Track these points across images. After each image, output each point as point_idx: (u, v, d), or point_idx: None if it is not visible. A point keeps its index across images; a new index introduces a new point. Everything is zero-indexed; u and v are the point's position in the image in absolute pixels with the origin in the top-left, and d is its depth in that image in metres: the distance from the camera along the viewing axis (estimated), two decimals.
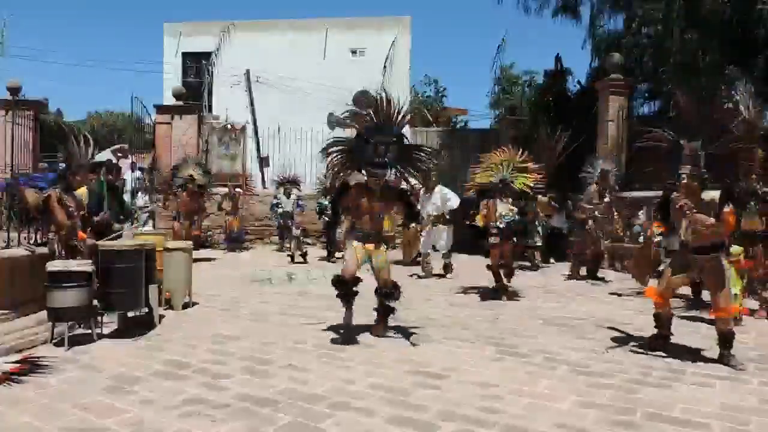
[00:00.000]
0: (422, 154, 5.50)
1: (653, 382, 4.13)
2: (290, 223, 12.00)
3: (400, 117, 5.20)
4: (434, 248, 9.46)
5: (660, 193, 5.25)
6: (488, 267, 7.61)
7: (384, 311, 5.44)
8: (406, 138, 5.41)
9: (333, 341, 5.15)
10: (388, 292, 5.35)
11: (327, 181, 10.66)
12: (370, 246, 5.24)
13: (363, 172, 5.27)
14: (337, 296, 5.41)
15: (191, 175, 10.96)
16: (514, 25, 46.18)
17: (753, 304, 6.57)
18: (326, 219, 10.58)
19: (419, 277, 9.22)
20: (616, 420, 3.44)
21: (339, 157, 5.36)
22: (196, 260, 10.47)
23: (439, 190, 9.26)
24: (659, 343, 4.96)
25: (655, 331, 5.03)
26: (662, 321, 4.97)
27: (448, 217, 9.15)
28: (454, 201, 9.15)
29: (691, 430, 3.33)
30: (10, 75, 18.69)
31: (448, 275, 9.27)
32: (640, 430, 3.32)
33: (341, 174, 5.47)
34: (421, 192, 9.43)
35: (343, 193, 5.36)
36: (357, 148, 5.22)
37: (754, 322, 6.16)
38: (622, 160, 11.44)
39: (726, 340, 4.63)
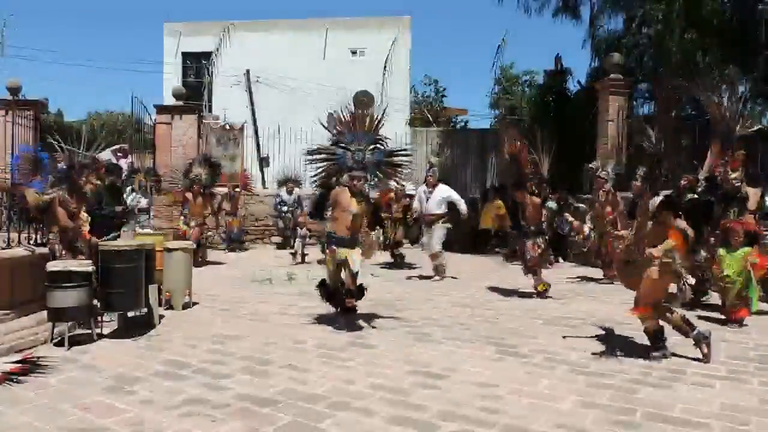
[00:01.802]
0: (398, 157, 6.01)
1: (653, 382, 4.13)
2: (291, 220, 12.40)
3: (374, 127, 5.77)
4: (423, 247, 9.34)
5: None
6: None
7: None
8: (382, 144, 5.87)
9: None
10: (350, 292, 5.83)
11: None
12: (345, 250, 5.63)
13: (346, 177, 5.71)
14: (323, 299, 6.11)
15: (197, 175, 10.96)
16: (514, 25, 46.16)
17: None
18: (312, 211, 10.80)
19: (430, 277, 9.11)
20: (616, 420, 3.44)
21: (323, 164, 5.93)
22: (209, 263, 10.66)
23: (443, 188, 9.17)
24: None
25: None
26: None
27: (447, 218, 9.09)
28: (463, 205, 9.15)
29: (691, 430, 3.33)
30: (10, 75, 18.72)
31: (436, 277, 8.99)
32: (640, 430, 3.32)
33: (327, 178, 5.94)
34: (422, 188, 9.40)
35: (325, 194, 5.86)
36: (338, 157, 5.80)
37: (755, 322, 6.15)
38: (622, 160, 11.44)
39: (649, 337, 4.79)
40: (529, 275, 7.67)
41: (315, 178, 6.13)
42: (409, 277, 9.25)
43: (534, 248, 7.45)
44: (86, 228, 5.95)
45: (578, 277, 9.42)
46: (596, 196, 9.04)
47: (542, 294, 7.51)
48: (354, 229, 5.60)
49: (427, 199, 9.12)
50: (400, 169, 6.06)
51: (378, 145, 5.81)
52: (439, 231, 9.04)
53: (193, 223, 10.47)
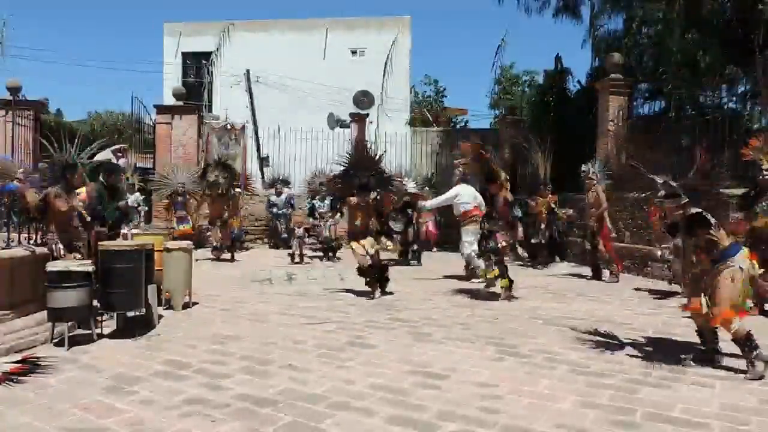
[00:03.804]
0: (394, 180, 8.19)
1: (653, 382, 4.13)
2: (282, 222, 12.58)
3: (376, 158, 7.83)
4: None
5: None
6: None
7: (378, 281, 7.54)
8: (382, 171, 7.79)
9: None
10: (380, 268, 7.58)
11: (317, 187, 11.85)
12: (363, 240, 7.44)
13: (354, 193, 7.47)
14: (366, 284, 7.49)
15: (215, 179, 11.03)
16: (514, 25, 46.12)
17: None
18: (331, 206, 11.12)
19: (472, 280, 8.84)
20: (616, 420, 3.44)
21: (337, 185, 8.00)
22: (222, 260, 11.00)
23: (454, 188, 8.96)
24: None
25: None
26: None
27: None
28: (435, 200, 9.35)
29: (691, 430, 3.33)
30: (10, 75, 18.71)
31: (473, 280, 8.62)
32: (640, 430, 3.32)
33: (340, 194, 8.05)
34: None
35: (340, 202, 8.23)
36: (347, 179, 7.60)
37: (755, 322, 6.14)
38: (622, 160, 11.45)
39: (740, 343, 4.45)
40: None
41: (331, 192, 8.87)
42: (409, 277, 9.26)
43: (502, 239, 7.32)
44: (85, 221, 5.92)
45: (578, 277, 9.42)
46: (586, 197, 9.23)
47: (489, 285, 7.54)
48: (365, 226, 7.49)
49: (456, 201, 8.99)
50: (394, 188, 8.08)
51: (377, 172, 7.63)
52: (464, 235, 8.65)
53: (218, 223, 10.90)
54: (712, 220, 4.45)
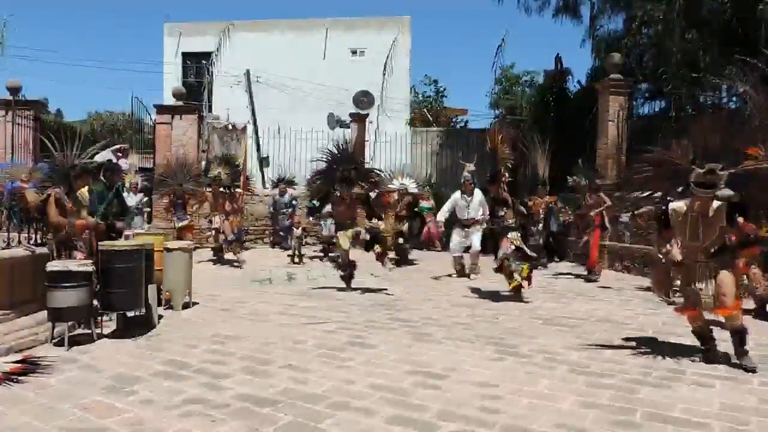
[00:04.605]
0: (374, 173, 8.51)
1: (653, 382, 4.13)
2: (285, 223, 12.55)
3: (355, 153, 8.37)
4: (466, 249, 9.28)
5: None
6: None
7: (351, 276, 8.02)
8: (362, 165, 8.43)
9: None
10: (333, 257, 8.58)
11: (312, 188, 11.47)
12: (347, 232, 7.82)
13: (337, 186, 7.79)
14: (341, 277, 7.95)
15: (217, 175, 11.02)
16: (514, 25, 46.09)
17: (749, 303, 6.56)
18: (310, 208, 11.02)
19: (450, 275, 9.14)
20: (616, 420, 3.44)
21: (320, 180, 8.24)
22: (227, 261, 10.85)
23: (480, 194, 9.07)
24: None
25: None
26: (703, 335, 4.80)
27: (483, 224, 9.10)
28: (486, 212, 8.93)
29: (691, 430, 3.33)
30: (10, 75, 18.72)
31: (473, 276, 8.99)
32: (640, 430, 3.32)
33: (324, 189, 8.20)
34: (457, 194, 9.32)
35: (325, 198, 8.20)
36: (330, 174, 7.90)
37: (755, 321, 6.14)
38: (622, 160, 11.45)
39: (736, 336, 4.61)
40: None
41: (315, 189, 8.65)
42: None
43: (508, 244, 7.31)
44: (89, 220, 5.90)
45: (577, 277, 9.41)
46: (584, 200, 9.51)
47: (517, 292, 7.36)
48: (346, 219, 7.96)
49: (468, 205, 9.08)
50: (373, 180, 8.31)
51: (358, 166, 8.08)
52: (478, 233, 9.00)
53: (217, 218, 10.77)
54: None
